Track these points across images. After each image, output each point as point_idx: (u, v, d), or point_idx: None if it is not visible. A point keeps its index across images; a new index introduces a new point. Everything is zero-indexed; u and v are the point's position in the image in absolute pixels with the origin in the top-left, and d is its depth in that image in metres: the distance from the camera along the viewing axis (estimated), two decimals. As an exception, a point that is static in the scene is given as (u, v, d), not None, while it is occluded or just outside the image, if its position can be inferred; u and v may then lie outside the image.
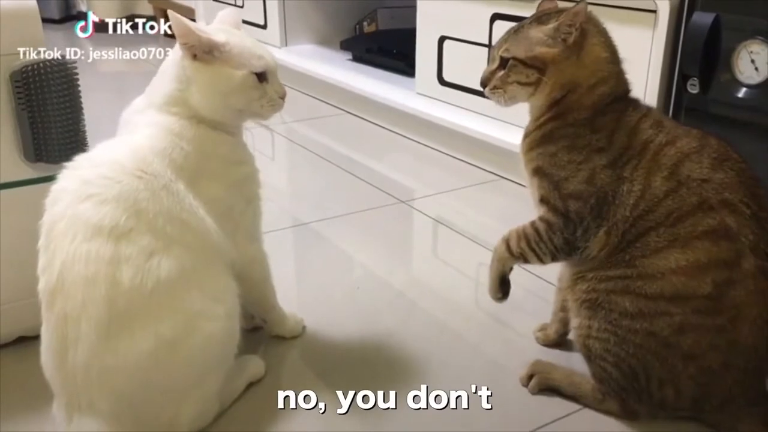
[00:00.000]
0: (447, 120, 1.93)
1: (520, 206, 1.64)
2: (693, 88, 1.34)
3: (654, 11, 1.39)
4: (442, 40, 1.96)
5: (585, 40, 0.92)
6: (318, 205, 1.71)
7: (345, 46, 2.63)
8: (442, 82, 2.00)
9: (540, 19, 0.94)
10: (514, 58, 0.94)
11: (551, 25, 0.92)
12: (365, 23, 2.77)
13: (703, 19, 1.29)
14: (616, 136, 0.92)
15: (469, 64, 1.88)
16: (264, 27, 2.74)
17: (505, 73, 0.95)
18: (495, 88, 0.97)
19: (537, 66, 0.93)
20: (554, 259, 0.97)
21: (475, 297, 1.34)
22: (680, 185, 0.87)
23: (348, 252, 1.49)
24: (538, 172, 0.96)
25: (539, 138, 0.96)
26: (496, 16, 1.76)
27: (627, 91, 0.96)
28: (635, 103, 0.95)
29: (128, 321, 0.81)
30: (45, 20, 1.02)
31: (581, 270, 0.95)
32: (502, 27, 1.71)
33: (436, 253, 1.56)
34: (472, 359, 1.13)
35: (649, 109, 0.96)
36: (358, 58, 2.54)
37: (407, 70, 2.26)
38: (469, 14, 1.84)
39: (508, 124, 1.77)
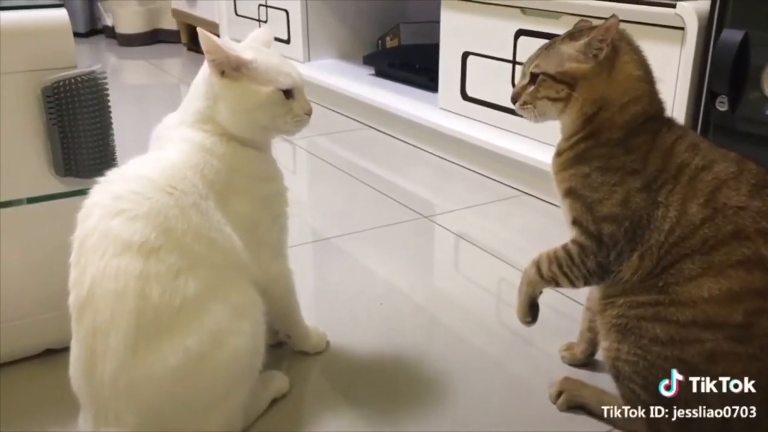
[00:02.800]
0: (470, 135, 1.92)
1: (543, 222, 1.64)
2: (722, 105, 1.32)
3: (682, 28, 1.38)
4: (465, 55, 1.96)
5: (617, 57, 0.91)
6: (340, 220, 1.71)
7: (367, 60, 2.63)
8: (465, 97, 1.99)
9: (572, 35, 0.94)
10: (544, 74, 0.93)
11: (582, 41, 0.91)
12: (388, 38, 2.78)
13: (732, 36, 1.28)
14: (651, 158, 0.90)
15: (493, 80, 1.87)
16: (287, 42, 2.76)
17: (535, 89, 0.94)
18: (525, 103, 0.96)
19: (567, 81, 0.92)
20: (587, 283, 0.96)
21: (498, 313, 1.33)
22: (716, 213, 0.85)
23: (370, 267, 1.49)
24: (570, 193, 0.94)
25: (572, 158, 0.95)
26: (520, 32, 1.75)
27: (661, 110, 0.95)
28: (669, 123, 0.94)
29: (156, 335, 0.81)
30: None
31: (611, 294, 0.93)
32: (526, 43, 1.71)
33: (459, 269, 1.55)
34: (495, 375, 1.12)
35: (684, 130, 0.95)
36: (380, 73, 2.55)
37: (430, 85, 2.26)
38: (493, 30, 1.84)
39: (531, 140, 1.76)
